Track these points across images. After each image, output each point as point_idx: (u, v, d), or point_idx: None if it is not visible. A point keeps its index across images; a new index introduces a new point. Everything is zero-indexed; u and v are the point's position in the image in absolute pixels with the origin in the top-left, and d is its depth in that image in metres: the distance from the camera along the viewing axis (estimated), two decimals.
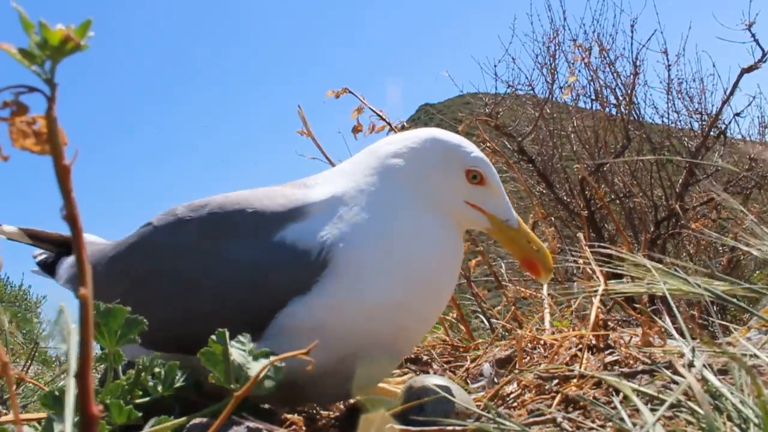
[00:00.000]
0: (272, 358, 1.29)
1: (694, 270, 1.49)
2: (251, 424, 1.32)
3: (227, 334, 1.34)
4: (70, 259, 2.11)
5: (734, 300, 1.46)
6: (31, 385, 2.28)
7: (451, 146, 1.80)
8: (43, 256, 2.24)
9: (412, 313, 1.64)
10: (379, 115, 3.04)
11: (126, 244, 1.86)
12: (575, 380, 1.63)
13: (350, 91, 3.02)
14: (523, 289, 3.28)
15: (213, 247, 1.67)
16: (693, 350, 1.26)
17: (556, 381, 1.68)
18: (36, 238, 2.24)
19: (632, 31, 5.62)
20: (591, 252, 2.21)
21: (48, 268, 2.19)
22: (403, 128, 3.13)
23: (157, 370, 1.44)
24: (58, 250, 2.23)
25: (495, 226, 1.78)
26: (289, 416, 1.51)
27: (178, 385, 1.43)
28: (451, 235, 1.74)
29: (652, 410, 1.08)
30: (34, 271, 2.28)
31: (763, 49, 4.80)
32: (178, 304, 1.68)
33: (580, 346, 1.89)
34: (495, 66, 6.19)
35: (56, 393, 1.19)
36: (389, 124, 3.07)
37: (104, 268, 1.84)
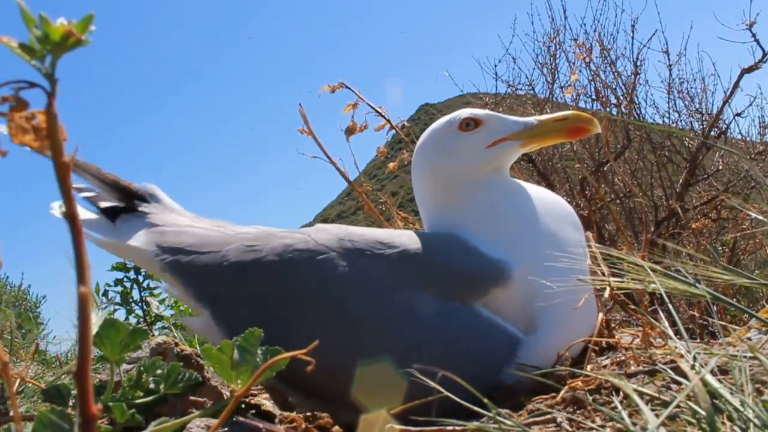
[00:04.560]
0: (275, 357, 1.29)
1: (695, 263, 1.48)
2: (251, 424, 1.31)
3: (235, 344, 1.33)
4: (170, 239, 1.72)
5: (733, 302, 1.45)
6: (31, 385, 2.27)
7: (435, 129, 1.91)
8: (98, 197, 1.86)
9: None
10: (377, 111, 3.01)
11: (277, 245, 1.64)
12: (576, 380, 1.62)
13: (346, 86, 2.99)
14: None
15: (411, 300, 1.58)
16: (693, 351, 1.25)
17: (556, 381, 1.67)
18: (82, 168, 1.86)
19: (633, 31, 5.61)
20: (592, 252, 2.20)
21: (108, 214, 1.84)
22: (403, 127, 3.11)
23: (159, 371, 1.43)
24: (113, 193, 1.87)
25: (524, 139, 1.85)
26: (288, 414, 1.50)
27: (180, 384, 1.43)
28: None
29: (653, 410, 1.08)
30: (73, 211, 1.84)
31: (763, 49, 4.78)
32: (352, 342, 1.51)
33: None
34: (495, 66, 6.19)
35: (59, 388, 1.18)
36: (388, 120, 3.05)
37: (234, 259, 1.64)
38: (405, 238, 1.69)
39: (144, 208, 1.86)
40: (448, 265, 1.66)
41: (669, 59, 5.57)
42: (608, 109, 5.54)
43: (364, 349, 1.50)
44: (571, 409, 1.46)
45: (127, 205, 1.86)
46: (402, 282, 1.60)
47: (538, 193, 1.90)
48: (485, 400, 1.17)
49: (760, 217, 1.50)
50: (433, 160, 1.87)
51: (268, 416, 1.55)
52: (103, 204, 1.85)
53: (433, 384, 1.27)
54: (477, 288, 1.65)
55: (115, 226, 1.82)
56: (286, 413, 1.60)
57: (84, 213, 1.84)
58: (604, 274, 1.71)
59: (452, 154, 1.84)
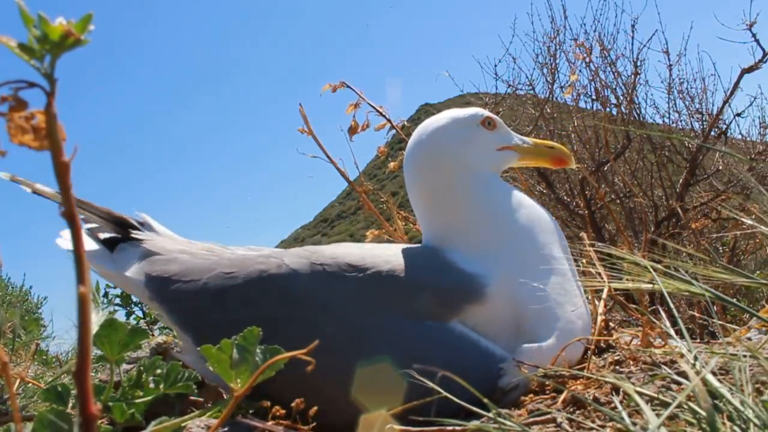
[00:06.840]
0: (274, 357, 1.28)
1: (694, 262, 1.48)
2: (251, 424, 1.31)
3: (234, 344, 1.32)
4: (157, 268, 1.79)
5: (734, 301, 1.45)
6: (31, 385, 2.27)
7: (458, 118, 1.93)
8: (98, 229, 1.94)
9: None
10: (378, 111, 3.01)
11: (252, 271, 1.69)
12: (576, 380, 1.62)
13: (348, 86, 2.99)
14: None
15: (382, 321, 1.59)
16: (693, 351, 1.25)
17: (556, 381, 1.67)
18: (78, 204, 1.90)
19: (633, 31, 5.61)
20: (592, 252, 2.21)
21: (107, 245, 1.92)
22: (403, 127, 3.11)
23: (158, 371, 1.43)
24: (109, 225, 1.96)
25: (522, 153, 1.99)
26: (278, 408, 1.50)
27: (180, 384, 1.42)
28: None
29: (653, 410, 1.08)
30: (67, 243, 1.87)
31: (763, 49, 4.78)
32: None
33: None
34: (495, 66, 6.17)
35: (59, 388, 1.18)
36: (389, 120, 3.04)
37: (213, 287, 1.69)
38: (378, 258, 1.69)
39: (137, 235, 1.94)
40: (420, 284, 1.66)
41: (669, 59, 5.57)
42: (608, 109, 5.54)
43: (336, 370, 1.51)
44: (571, 409, 1.46)
45: (123, 235, 1.95)
46: (373, 303, 1.61)
47: (524, 204, 1.91)
48: (485, 401, 1.18)
49: (757, 225, 1.50)
50: (451, 146, 1.87)
51: (268, 416, 1.55)
52: (103, 235, 1.94)
53: (432, 385, 1.27)
54: (451, 305, 1.65)
55: (113, 256, 1.90)
56: (275, 407, 1.60)
57: (89, 244, 1.92)
58: (601, 276, 1.71)
59: (472, 145, 1.89)
